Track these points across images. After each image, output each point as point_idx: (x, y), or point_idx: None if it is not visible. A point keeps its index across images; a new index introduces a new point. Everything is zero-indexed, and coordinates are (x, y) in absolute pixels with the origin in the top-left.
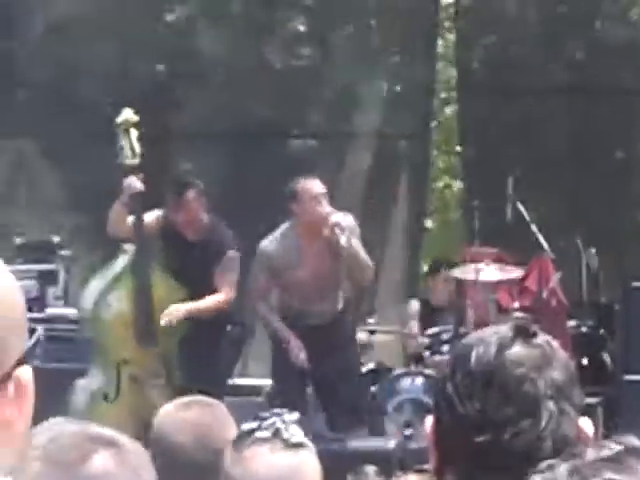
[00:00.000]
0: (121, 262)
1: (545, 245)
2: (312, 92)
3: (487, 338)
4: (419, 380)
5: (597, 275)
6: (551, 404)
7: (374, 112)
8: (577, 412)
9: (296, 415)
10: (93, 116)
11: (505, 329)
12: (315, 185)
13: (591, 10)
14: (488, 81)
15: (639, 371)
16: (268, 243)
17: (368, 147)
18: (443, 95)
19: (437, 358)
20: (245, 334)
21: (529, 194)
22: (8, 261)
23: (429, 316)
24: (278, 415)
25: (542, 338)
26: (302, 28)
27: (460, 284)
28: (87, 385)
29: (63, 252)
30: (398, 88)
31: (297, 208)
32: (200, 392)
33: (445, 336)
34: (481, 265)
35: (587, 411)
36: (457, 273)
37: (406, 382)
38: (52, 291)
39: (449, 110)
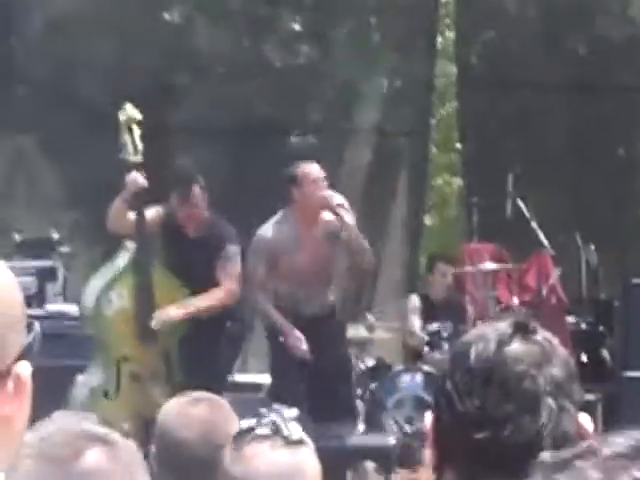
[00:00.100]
0: (122, 259)
1: (545, 241)
2: (312, 89)
3: (486, 335)
4: (419, 377)
5: (596, 272)
6: (551, 401)
7: (374, 109)
8: (577, 409)
9: (295, 411)
10: (92, 113)
11: (504, 326)
12: (315, 169)
13: (591, 6)
14: (487, 77)
15: (638, 367)
16: (266, 229)
17: (367, 143)
18: (442, 91)
19: (436, 355)
20: (244, 330)
21: (529, 190)
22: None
23: (429, 311)
24: (277, 412)
25: (542, 335)
26: (302, 25)
27: (459, 280)
28: (87, 382)
29: (62, 249)
30: (398, 85)
31: (297, 192)
32: (200, 389)
33: (444, 333)
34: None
35: (586, 408)
36: (456, 268)
37: (406, 379)
38: (51, 287)
39: (448, 106)
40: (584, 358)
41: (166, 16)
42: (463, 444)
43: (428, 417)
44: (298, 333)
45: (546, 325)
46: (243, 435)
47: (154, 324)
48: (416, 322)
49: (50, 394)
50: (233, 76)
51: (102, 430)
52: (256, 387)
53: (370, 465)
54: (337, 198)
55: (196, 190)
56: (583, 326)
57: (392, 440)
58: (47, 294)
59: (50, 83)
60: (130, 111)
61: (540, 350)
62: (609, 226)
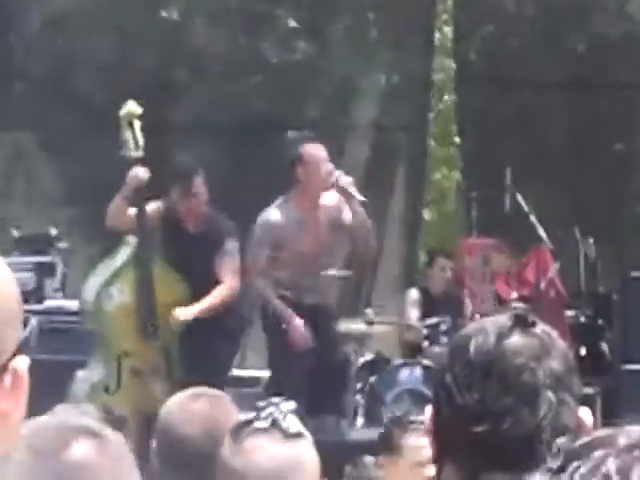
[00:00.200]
0: (123, 254)
1: (543, 236)
2: (309, 85)
3: (486, 328)
4: (418, 371)
5: (595, 265)
6: (550, 394)
7: (371, 104)
8: (576, 402)
9: (292, 404)
10: (90, 110)
11: (504, 319)
12: (320, 149)
13: (589, 3)
14: (485, 73)
15: (637, 360)
16: (269, 213)
17: (365, 139)
18: (440, 87)
19: (436, 349)
20: (244, 325)
21: (527, 185)
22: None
23: (427, 305)
24: (275, 405)
25: (541, 328)
26: (299, 22)
27: (458, 274)
28: (87, 377)
29: (60, 244)
30: (395, 80)
31: (303, 171)
32: (200, 384)
33: (444, 327)
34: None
35: (585, 401)
36: (455, 262)
37: (405, 373)
38: (50, 283)
39: (447, 100)
40: (583, 351)
41: (164, 14)
42: (463, 437)
43: (428, 411)
44: (300, 321)
45: (545, 319)
46: (242, 428)
47: (175, 325)
48: (414, 316)
49: (49, 389)
50: (231, 73)
51: (91, 423)
52: (255, 381)
53: (369, 459)
54: (345, 178)
55: (198, 182)
56: (582, 320)
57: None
58: (46, 290)
59: (49, 80)
60: (131, 107)
61: (539, 343)
62: (607, 220)
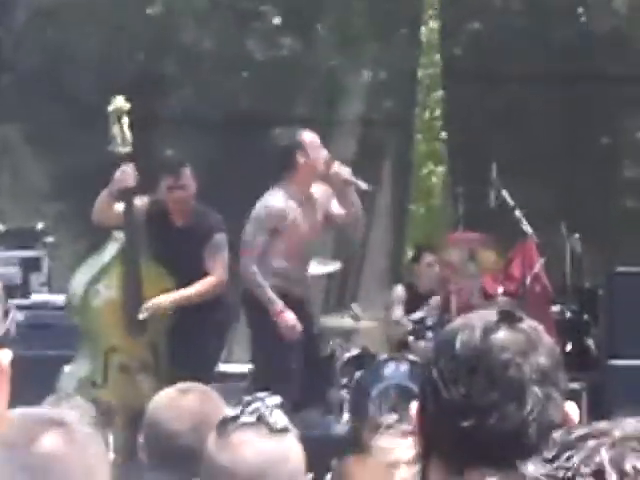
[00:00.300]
0: (110, 250)
1: (529, 231)
2: (296, 81)
3: (472, 323)
4: (403, 366)
5: (581, 260)
6: (536, 389)
7: (358, 100)
8: (563, 397)
9: (278, 399)
10: (78, 103)
11: (490, 314)
12: (316, 136)
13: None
14: (472, 68)
15: (623, 356)
16: (272, 200)
17: (352, 134)
18: (427, 82)
19: (421, 344)
20: (231, 319)
21: (514, 180)
22: None
23: (414, 301)
24: (261, 400)
25: (527, 323)
26: (285, 18)
27: (444, 270)
28: (74, 372)
29: (47, 239)
30: (382, 76)
31: (303, 157)
32: (188, 379)
33: (429, 322)
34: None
35: (571, 396)
36: (441, 257)
37: (390, 368)
38: (36, 278)
39: (434, 96)
40: (569, 347)
41: (151, 10)
42: (449, 432)
43: (414, 406)
44: (290, 312)
45: (531, 314)
46: (228, 423)
47: (142, 315)
48: (399, 312)
49: (35, 384)
50: (218, 69)
51: (58, 414)
52: (242, 376)
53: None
54: (345, 168)
55: (186, 173)
56: (568, 315)
57: (393, 416)
58: (32, 284)
59: (36, 73)
60: (119, 102)
61: (526, 338)
62: (594, 215)
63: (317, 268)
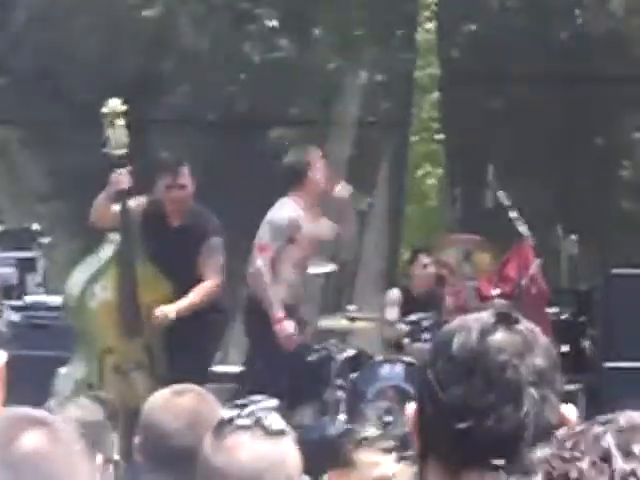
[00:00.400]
0: (107, 251)
1: (525, 232)
2: (293, 82)
3: (469, 324)
4: (399, 367)
5: (577, 262)
6: (533, 390)
7: (355, 101)
8: (559, 398)
9: (275, 401)
10: (75, 104)
11: (487, 316)
12: (320, 153)
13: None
14: (469, 69)
15: (620, 358)
16: (292, 212)
17: (349, 136)
18: (424, 83)
19: (417, 345)
20: (226, 320)
21: (511, 181)
22: None
23: (410, 304)
24: (256, 402)
25: (524, 324)
26: (283, 19)
27: (440, 271)
28: (70, 373)
29: (43, 240)
30: (379, 77)
31: (312, 176)
32: (183, 380)
33: (425, 323)
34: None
35: (568, 399)
36: (437, 259)
37: (386, 369)
38: (32, 278)
39: (430, 97)
40: (565, 349)
41: (149, 11)
42: (446, 434)
43: (410, 407)
44: (290, 322)
45: (527, 316)
46: (224, 426)
47: (157, 322)
48: (394, 313)
49: (31, 384)
50: (215, 71)
51: (40, 413)
52: (237, 378)
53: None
54: (347, 187)
55: (184, 172)
56: (564, 317)
57: (375, 431)
58: (28, 285)
59: (32, 74)
60: (113, 104)
61: (522, 340)
62: (590, 217)
63: (314, 268)
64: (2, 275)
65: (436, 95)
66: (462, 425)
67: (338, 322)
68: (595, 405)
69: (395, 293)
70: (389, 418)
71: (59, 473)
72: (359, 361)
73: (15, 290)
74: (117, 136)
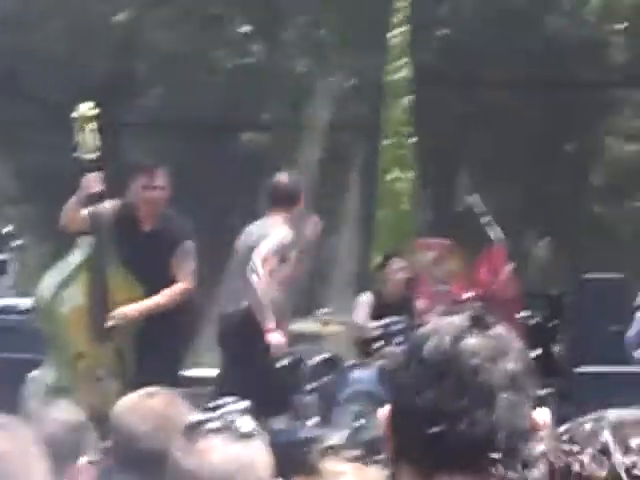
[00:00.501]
0: (77, 256)
1: (497, 236)
2: (264, 87)
3: (442, 328)
4: (371, 371)
5: (549, 267)
6: (506, 395)
7: (325, 105)
8: (531, 403)
9: (245, 403)
10: (45, 106)
11: (460, 319)
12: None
13: (546, 5)
14: (441, 73)
15: (590, 363)
16: (287, 232)
17: (320, 140)
18: (395, 87)
19: (390, 349)
20: (196, 324)
21: (483, 185)
22: None
23: (382, 308)
24: (227, 405)
25: (498, 328)
26: (254, 24)
27: (411, 275)
28: (41, 378)
29: (13, 242)
30: (350, 81)
31: (299, 203)
32: (153, 383)
33: (397, 327)
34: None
35: (538, 403)
36: (408, 263)
37: (358, 373)
38: (2, 281)
39: (401, 102)
40: (536, 353)
41: (120, 15)
42: (418, 438)
43: (381, 411)
44: (280, 333)
45: (498, 319)
46: (195, 428)
47: (109, 323)
48: (363, 317)
49: (1, 387)
50: (187, 75)
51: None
52: (208, 381)
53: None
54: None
55: (160, 174)
56: (535, 321)
57: (344, 434)
58: None
59: (2, 76)
60: (84, 109)
61: (496, 344)
62: (562, 222)
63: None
64: None
65: (407, 99)
66: (434, 429)
67: (310, 326)
68: (565, 410)
69: (365, 297)
70: (361, 422)
71: (15, 473)
72: (331, 365)
73: None
74: (87, 140)
